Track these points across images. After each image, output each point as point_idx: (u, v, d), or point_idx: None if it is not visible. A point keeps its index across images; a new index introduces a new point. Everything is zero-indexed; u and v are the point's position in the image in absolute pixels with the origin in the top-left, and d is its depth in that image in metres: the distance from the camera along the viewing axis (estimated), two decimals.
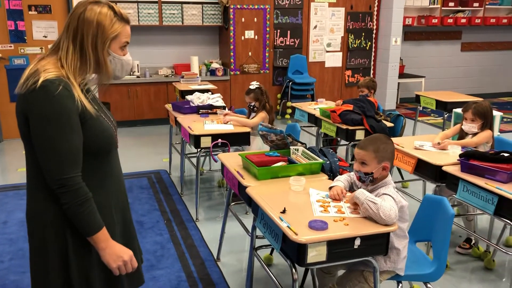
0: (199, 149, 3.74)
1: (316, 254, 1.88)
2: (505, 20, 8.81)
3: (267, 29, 7.10)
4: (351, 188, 2.35)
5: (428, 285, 2.31)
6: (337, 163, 2.67)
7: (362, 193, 2.05)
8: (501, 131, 6.51)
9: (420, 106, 5.80)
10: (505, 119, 7.47)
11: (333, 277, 2.43)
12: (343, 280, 2.25)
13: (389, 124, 4.15)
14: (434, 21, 8.31)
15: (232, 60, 7.02)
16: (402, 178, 4.40)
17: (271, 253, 3.15)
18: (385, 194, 2.10)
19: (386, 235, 1.98)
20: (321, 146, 4.78)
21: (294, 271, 1.98)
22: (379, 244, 1.98)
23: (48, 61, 1.51)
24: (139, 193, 4.33)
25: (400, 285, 2.27)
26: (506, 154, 2.70)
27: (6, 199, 4.20)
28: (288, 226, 1.92)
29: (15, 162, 5.27)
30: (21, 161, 5.25)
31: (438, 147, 3.20)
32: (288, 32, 7.24)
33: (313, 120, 4.67)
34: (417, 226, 2.49)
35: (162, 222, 3.75)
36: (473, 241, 3.31)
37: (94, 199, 1.52)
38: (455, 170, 2.81)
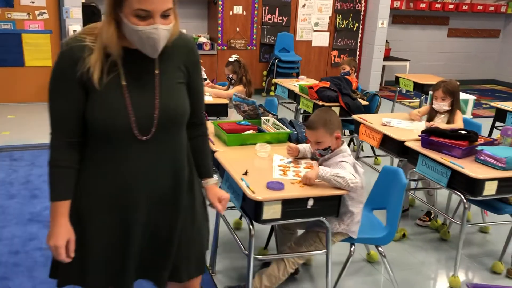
0: None
1: (272, 212, 2.05)
2: (492, 8, 8.93)
3: (256, 5, 7.15)
4: (313, 156, 2.50)
5: (379, 248, 2.50)
6: (304, 134, 2.82)
7: (324, 171, 2.14)
8: (477, 115, 6.71)
9: (399, 87, 5.95)
10: (484, 105, 7.66)
11: (291, 235, 2.61)
12: (300, 240, 2.43)
13: (364, 103, 4.30)
14: (422, 5, 8.41)
15: (219, 35, 7.08)
16: (374, 153, 4.57)
17: (240, 218, 3.31)
18: (342, 161, 2.26)
19: (338, 198, 2.15)
20: (301, 121, 4.92)
21: (252, 227, 2.14)
22: (331, 205, 2.15)
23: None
24: None
25: (353, 247, 2.46)
26: (463, 132, 2.87)
27: None
28: (247, 186, 2.07)
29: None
30: (5, 125, 5.33)
31: (428, 125, 3.29)
32: (277, 9, 7.31)
33: (293, 96, 4.80)
34: (374, 194, 2.66)
35: None
36: (433, 215, 3.50)
37: (81, 184, 1.47)
38: (416, 146, 2.97)
